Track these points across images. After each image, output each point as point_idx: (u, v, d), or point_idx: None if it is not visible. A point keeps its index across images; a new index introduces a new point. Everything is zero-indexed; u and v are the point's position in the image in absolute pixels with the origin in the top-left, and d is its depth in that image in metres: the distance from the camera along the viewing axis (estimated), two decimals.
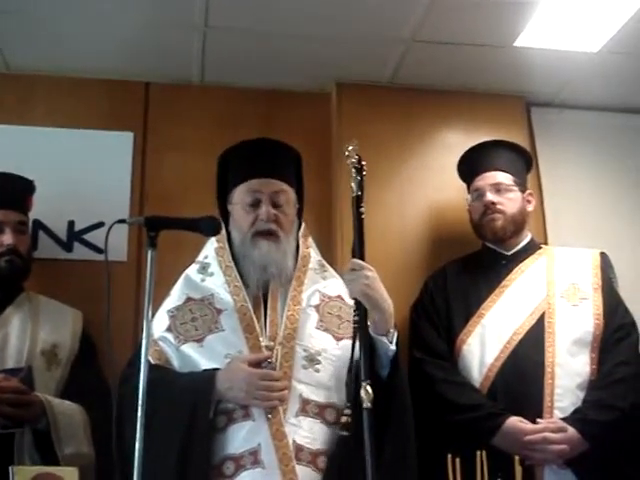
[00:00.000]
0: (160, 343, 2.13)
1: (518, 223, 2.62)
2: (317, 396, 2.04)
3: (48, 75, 2.99)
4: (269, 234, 2.20)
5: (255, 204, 2.23)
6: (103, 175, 2.91)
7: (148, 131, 3.03)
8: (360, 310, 2.00)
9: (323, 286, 2.26)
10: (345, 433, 1.89)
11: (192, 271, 2.29)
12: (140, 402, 1.70)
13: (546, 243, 2.89)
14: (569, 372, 2.36)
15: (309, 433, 1.99)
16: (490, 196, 2.60)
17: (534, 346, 2.40)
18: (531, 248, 2.66)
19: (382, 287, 2.03)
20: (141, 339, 1.83)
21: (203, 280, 2.24)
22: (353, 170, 2.11)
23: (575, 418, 2.28)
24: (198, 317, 2.15)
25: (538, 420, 2.28)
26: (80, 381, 2.38)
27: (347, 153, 2.13)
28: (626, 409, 2.30)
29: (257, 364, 2.03)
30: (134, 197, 2.92)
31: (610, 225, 3.12)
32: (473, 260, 2.70)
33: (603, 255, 2.61)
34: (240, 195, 2.26)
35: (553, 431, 2.24)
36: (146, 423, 1.69)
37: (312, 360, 2.08)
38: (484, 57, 2.93)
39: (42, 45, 2.84)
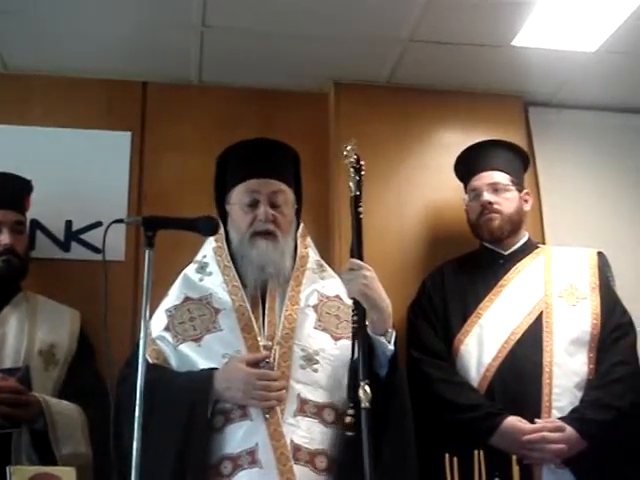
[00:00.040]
0: (158, 342, 2.13)
1: (515, 223, 2.62)
2: (315, 396, 2.04)
3: (46, 75, 2.98)
4: (267, 234, 2.20)
5: (253, 204, 2.23)
6: (101, 175, 2.90)
7: (146, 131, 3.02)
8: (358, 310, 2.00)
9: (321, 286, 2.26)
10: (350, 433, 1.89)
11: (190, 271, 2.29)
12: (138, 402, 1.70)
13: (544, 243, 2.89)
14: (567, 372, 2.36)
15: (307, 433, 1.99)
16: (487, 196, 2.60)
17: (532, 346, 2.39)
18: (528, 248, 2.66)
19: (380, 287, 2.03)
20: (139, 339, 1.83)
21: (201, 280, 2.24)
22: (351, 170, 2.11)
23: (573, 417, 2.28)
24: (196, 317, 2.15)
25: (536, 420, 2.28)
26: (78, 381, 2.38)
27: (345, 153, 2.12)
28: (624, 408, 2.30)
29: (255, 364, 2.03)
30: (132, 197, 2.91)
31: (608, 225, 3.12)
32: (471, 260, 2.70)
33: (600, 254, 2.61)
34: (238, 195, 2.26)
35: (551, 430, 2.24)
36: (144, 423, 1.69)
37: (310, 360, 2.08)
38: (482, 57, 2.92)
39: (40, 45, 2.84)
